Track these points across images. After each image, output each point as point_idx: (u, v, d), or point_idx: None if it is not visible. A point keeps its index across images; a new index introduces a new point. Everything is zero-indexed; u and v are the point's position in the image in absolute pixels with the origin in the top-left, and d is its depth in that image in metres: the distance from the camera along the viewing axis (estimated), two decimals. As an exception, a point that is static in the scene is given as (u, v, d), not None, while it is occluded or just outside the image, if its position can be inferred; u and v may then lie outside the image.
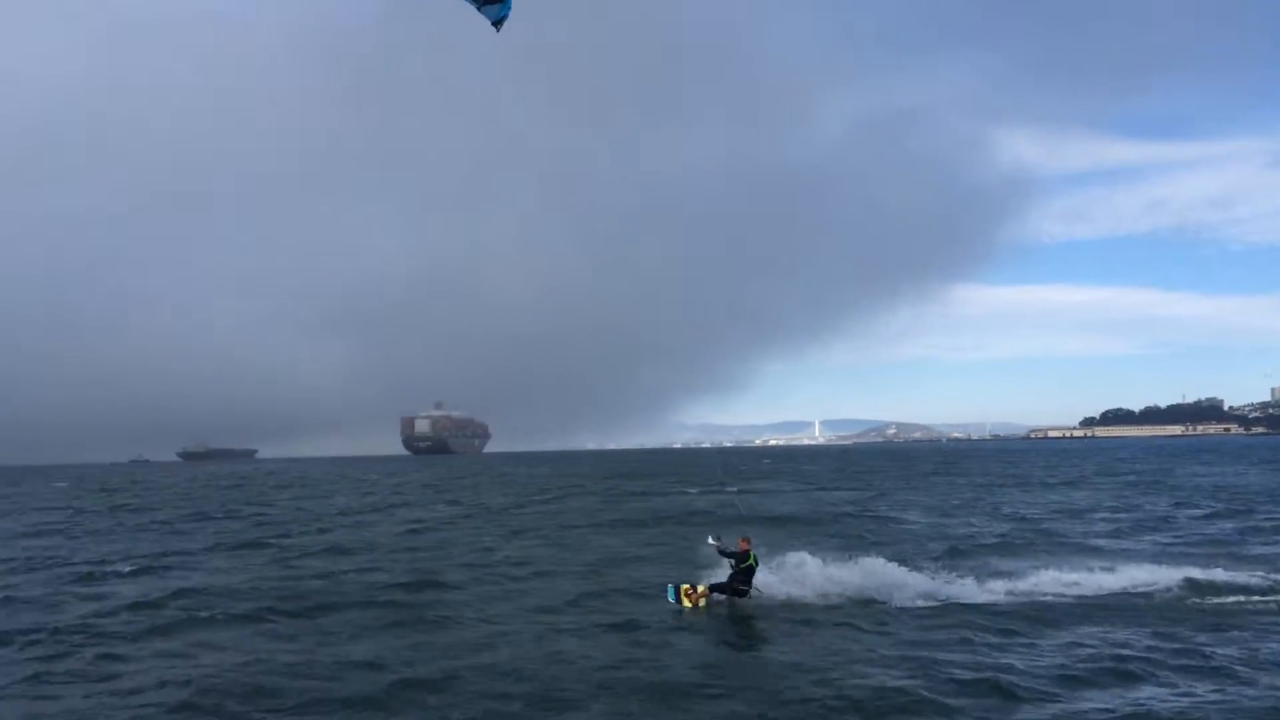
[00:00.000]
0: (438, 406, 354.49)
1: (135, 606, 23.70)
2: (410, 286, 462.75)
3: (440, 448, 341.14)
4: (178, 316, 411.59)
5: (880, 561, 26.08)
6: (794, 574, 24.81)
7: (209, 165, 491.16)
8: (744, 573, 22.99)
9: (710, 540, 23.84)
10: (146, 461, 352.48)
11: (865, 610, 22.77)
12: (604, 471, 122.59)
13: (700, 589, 23.27)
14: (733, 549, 23.27)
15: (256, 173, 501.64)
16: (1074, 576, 25.59)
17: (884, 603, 23.32)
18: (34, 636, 20.31)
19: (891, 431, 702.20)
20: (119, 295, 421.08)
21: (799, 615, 22.44)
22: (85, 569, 31.14)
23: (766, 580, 23.99)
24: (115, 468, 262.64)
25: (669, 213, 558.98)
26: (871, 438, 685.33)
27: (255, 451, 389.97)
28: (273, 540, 39.63)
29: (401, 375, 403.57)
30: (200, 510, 60.40)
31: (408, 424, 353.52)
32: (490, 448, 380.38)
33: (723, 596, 23.13)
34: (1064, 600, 23.62)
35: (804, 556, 25.58)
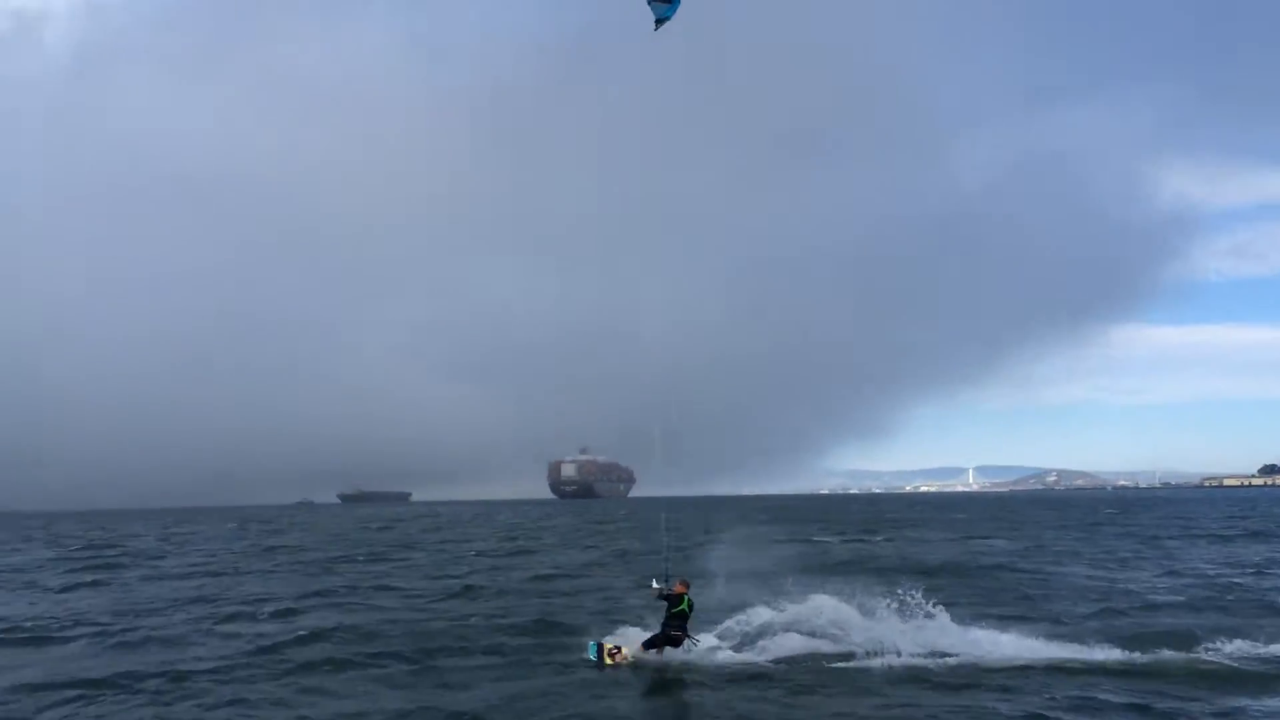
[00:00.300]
0: (583, 451, 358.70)
1: (267, 649, 24.07)
2: (556, 333, 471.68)
3: (586, 491, 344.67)
4: (344, 367, 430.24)
5: (994, 631, 23.86)
6: (921, 625, 23.22)
7: (360, 218, 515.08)
8: (676, 617, 22.03)
9: (654, 584, 22.77)
10: (310, 504, 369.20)
11: (1001, 672, 21.01)
12: (747, 517, 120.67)
13: (624, 651, 22.24)
14: (671, 592, 22.22)
15: (403, 225, 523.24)
16: (1253, 641, 23.09)
17: (1028, 664, 21.49)
18: (160, 679, 20.72)
19: (1052, 478, 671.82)
20: (300, 353, 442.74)
21: (940, 675, 20.92)
22: (230, 609, 32.04)
23: (886, 629, 22.61)
24: (282, 509, 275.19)
25: (818, 255, 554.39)
26: (1030, 485, 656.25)
27: (409, 494, 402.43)
28: (410, 584, 40.09)
29: (548, 420, 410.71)
30: (349, 552, 62.02)
31: (554, 468, 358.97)
32: (635, 492, 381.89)
33: (656, 650, 22.07)
34: (1239, 668, 21.26)
35: (939, 613, 23.77)
